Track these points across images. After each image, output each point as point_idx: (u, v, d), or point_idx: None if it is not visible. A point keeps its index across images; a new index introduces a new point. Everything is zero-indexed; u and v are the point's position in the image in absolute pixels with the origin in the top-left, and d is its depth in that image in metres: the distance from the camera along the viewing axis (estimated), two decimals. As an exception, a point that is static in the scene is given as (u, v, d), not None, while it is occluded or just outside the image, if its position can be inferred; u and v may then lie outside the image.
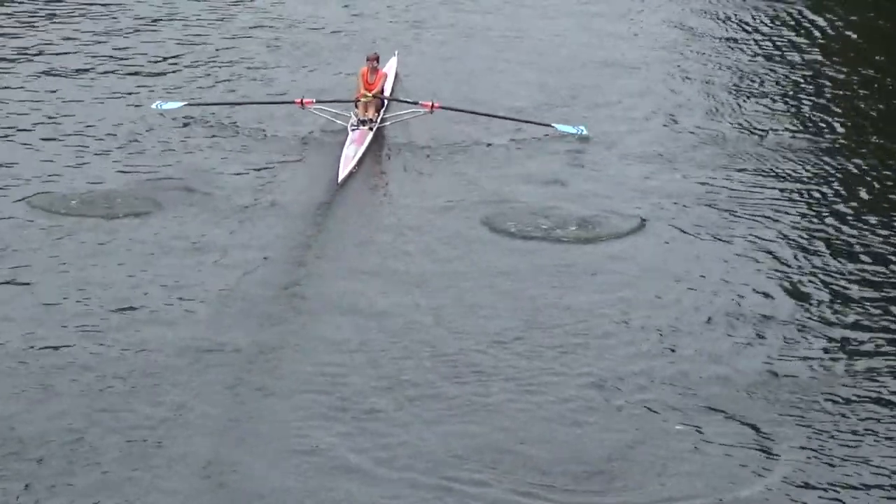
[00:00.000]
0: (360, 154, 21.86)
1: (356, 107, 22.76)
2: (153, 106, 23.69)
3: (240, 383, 16.05)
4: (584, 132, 23.02)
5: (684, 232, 20.15)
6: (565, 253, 19.54)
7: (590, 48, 28.08)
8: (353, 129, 22.34)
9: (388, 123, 23.23)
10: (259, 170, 22.03)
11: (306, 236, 19.93)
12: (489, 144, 23.09)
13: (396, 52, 25.81)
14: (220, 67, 26.77)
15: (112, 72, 26.51)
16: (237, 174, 21.81)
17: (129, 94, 25.17)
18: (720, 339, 17.38)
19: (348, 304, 17.84)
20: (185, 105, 23.62)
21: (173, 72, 26.53)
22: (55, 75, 26.14)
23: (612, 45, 28.37)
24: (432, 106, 22.90)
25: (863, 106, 25.54)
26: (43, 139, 22.84)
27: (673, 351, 17.06)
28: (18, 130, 23.22)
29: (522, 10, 30.60)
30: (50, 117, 23.85)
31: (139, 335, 16.97)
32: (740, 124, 24.25)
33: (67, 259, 18.95)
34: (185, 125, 23.53)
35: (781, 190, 21.58)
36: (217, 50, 27.85)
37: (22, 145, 22.60)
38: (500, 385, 16.17)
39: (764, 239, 19.98)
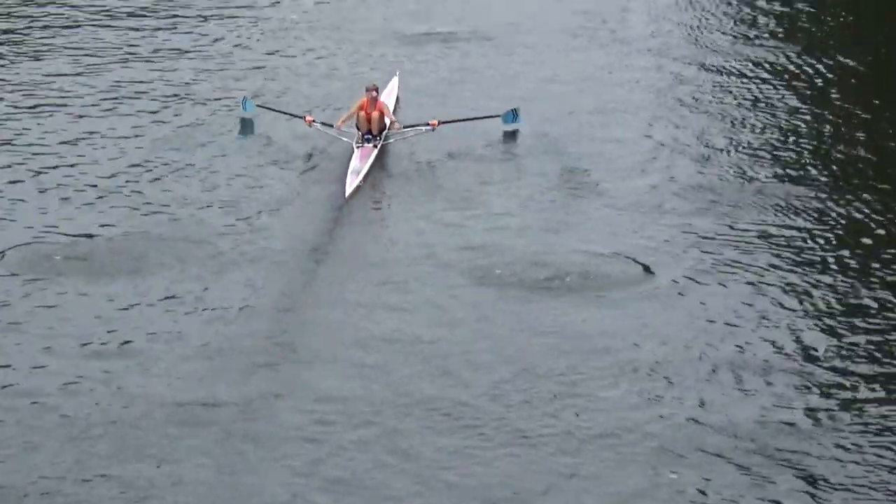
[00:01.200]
0: (365, 170, 22.74)
1: (358, 127, 23.57)
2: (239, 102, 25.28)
3: (228, 437, 16.12)
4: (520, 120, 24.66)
5: (684, 280, 20.24)
6: (563, 301, 19.58)
7: (581, 92, 27.84)
8: (357, 147, 23.23)
9: (391, 141, 24.07)
10: (264, 186, 22.83)
11: (312, 260, 20.51)
12: (490, 163, 23.86)
13: (398, 73, 26.68)
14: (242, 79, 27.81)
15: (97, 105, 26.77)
16: (244, 189, 22.60)
17: (122, 126, 25.48)
18: (721, 388, 17.42)
19: (341, 352, 17.99)
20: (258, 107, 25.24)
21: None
22: (35, 114, 26.34)
23: (603, 90, 28.16)
24: (437, 123, 23.90)
25: (863, 151, 25.26)
26: (31, 185, 23.06)
27: (673, 400, 17.12)
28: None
29: (512, 58, 30.41)
30: (36, 164, 24.05)
31: (126, 387, 17.04)
32: (737, 169, 24.03)
33: (54, 310, 19.01)
34: (196, 146, 24.36)
35: (781, 236, 21.63)
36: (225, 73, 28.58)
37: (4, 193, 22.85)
38: (496, 435, 16.26)
39: (765, 285, 20.04)
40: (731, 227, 21.72)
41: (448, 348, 18.15)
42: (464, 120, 24.51)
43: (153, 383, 17.16)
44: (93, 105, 26.55)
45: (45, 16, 32.19)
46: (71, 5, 33.03)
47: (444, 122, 24.08)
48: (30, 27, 31.34)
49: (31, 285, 19.57)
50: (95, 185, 22.82)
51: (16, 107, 26.42)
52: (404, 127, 24.47)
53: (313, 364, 17.74)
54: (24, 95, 27.02)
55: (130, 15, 32.58)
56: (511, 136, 24.75)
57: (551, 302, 19.35)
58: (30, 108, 26.48)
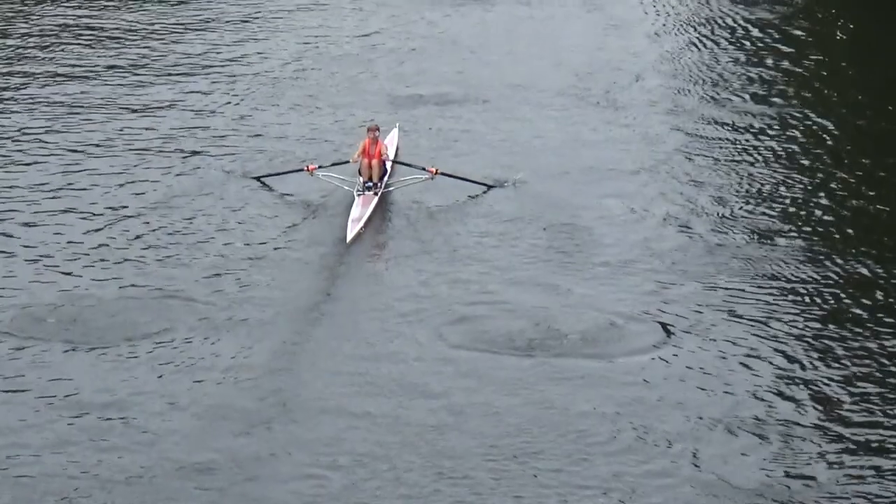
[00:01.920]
0: (366, 217, 23.32)
1: (360, 172, 24.21)
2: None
3: (223, 497, 16.23)
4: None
5: (685, 338, 20.24)
6: (561, 361, 19.63)
7: (576, 152, 27.99)
8: (358, 194, 23.83)
9: (392, 189, 24.64)
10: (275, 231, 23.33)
11: (310, 314, 20.77)
12: (488, 218, 24.12)
13: (398, 125, 27.26)
14: (238, 138, 27.89)
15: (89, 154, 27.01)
16: (243, 239, 23.04)
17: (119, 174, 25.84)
18: (728, 447, 17.49)
19: (335, 408, 18.07)
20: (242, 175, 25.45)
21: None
22: (20, 170, 26.42)
23: (598, 149, 28.31)
24: (435, 172, 24.45)
25: (874, 207, 25.24)
26: (20, 246, 23.09)
27: (678, 462, 17.14)
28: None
29: (507, 119, 30.53)
30: (26, 224, 24.14)
31: (118, 448, 17.09)
32: (734, 227, 24.31)
33: (45, 372, 19.04)
34: (195, 197, 24.73)
35: (790, 294, 21.65)
36: (219, 120, 28.97)
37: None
38: (491, 497, 16.36)
39: (766, 342, 20.09)
40: (729, 285, 21.83)
41: (443, 409, 18.21)
42: (462, 179, 24.88)
43: (146, 445, 17.30)
44: (78, 162, 26.75)
45: (28, 69, 32.61)
46: (55, 60, 33.41)
47: (443, 174, 24.61)
48: (7, 80, 31.75)
49: (24, 349, 19.67)
50: (84, 244, 23.06)
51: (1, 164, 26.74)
52: (404, 165, 25.10)
53: (307, 421, 17.91)
54: (10, 150, 27.28)
55: (115, 69, 32.92)
56: (509, 192, 25.16)
57: (549, 362, 19.50)
58: (15, 163, 26.72)
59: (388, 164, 24.75)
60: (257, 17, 37.68)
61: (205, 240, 23.25)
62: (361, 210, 23.47)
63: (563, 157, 27.36)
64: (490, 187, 24.96)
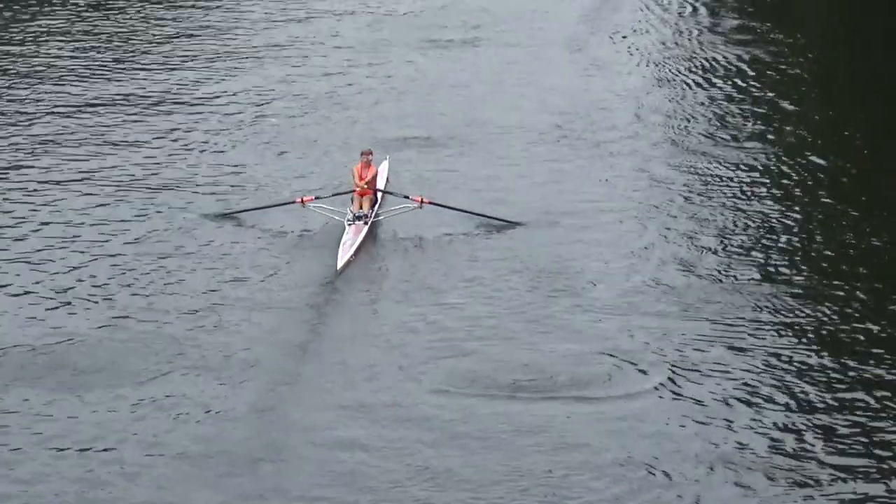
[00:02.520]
0: (356, 245, 24.10)
1: (352, 202, 25.05)
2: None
3: None
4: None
5: (668, 378, 20.43)
6: (549, 401, 19.77)
7: (561, 193, 28.35)
8: (349, 224, 24.60)
9: (381, 218, 25.41)
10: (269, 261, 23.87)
11: (305, 329, 21.38)
12: (474, 252, 24.62)
13: (388, 157, 28.08)
14: (222, 175, 28.35)
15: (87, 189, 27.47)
16: (241, 273, 23.45)
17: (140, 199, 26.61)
18: (711, 486, 17.72)
19: (320, 453, 18.22)
20: (221, 214, 25.85)
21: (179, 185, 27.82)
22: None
23: (583, 190, 28.70)
24: (422, 201, 25.20)
25: (849, 250, 25.24)
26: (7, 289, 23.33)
27: (665, 498, 17.41)
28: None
29: (493, 159, 30.64)
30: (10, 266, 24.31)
31: (104, 491, 17.32)
32: (718, 268, 24.48)
33: (30, 415, 19.21)
34: (189, 231, 25.23)
35: (764, 333, 21.78)
36: (213, 155, 29.58)
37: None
38: None
39: (750, 380, 20.26)
40: (714, 326, 22.06)
41: (429, 450, 18.37)
42: (450, 208, 25.49)
43: (130, 485, 17.59)
44: (61, 197, 27.17)
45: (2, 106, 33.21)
46: (37, 99, 33.98)
47: (430, 203, 25.34)
48: None
49: (9, 390, 19.91)
50: (66, 283, 23.35)
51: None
52: (392, 194, 25.85)
53: (294, 463, 18.14)
54: None
55: (102, 104, 33.51)
56: (497, 225, 25.67)
57: (537, 402, 19.77)
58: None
59: (379, 195, 25.55)
60: (243, 56, 38.49)
61: (192, 274, 23.66)
62: (353, 238, 24.24)
63: (549, 195, 27.81)
64: (478, 216, 25.61)
